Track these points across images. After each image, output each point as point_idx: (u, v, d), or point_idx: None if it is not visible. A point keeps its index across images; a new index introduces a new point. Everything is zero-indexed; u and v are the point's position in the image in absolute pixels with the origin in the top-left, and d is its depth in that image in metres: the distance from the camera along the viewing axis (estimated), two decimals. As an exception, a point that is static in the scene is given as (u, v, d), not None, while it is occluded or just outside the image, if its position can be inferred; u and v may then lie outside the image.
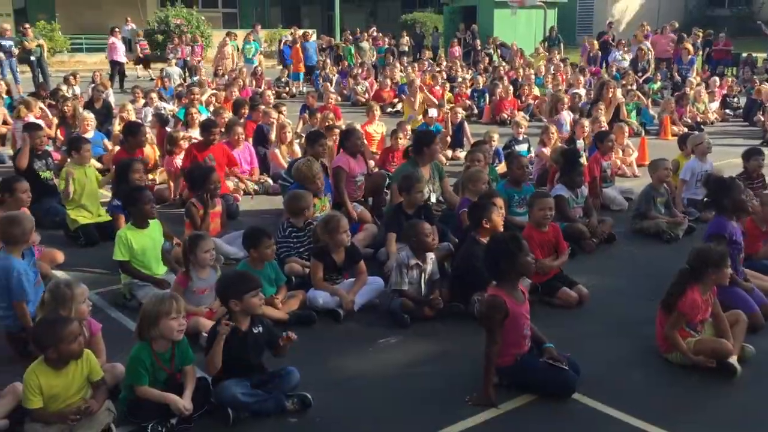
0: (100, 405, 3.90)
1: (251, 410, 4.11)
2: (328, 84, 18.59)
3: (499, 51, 25.16)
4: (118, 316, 5.61)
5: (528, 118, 13.88)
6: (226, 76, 18.49)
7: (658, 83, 18.80)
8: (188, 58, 22.96)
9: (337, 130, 9.55)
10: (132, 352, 4.08)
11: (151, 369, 4.04)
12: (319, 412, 4.22)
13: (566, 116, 11.48)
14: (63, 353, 3.78)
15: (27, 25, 21.08)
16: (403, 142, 9.40)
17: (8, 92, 15.11)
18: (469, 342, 4.93)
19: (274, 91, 16.36)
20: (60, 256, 6.53)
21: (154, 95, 13.63)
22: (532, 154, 10.24)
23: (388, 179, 8.52)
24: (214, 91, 14.38)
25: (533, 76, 18.04)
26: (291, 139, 9.88)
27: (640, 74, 19.22)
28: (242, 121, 10.67)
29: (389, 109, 16.57)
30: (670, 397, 4.48)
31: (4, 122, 12.69)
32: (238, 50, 23.37)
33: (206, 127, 8.90)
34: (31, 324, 4.62)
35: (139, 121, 10.80)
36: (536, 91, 16.99)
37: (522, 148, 10.55)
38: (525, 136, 10.99)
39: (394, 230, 6.44)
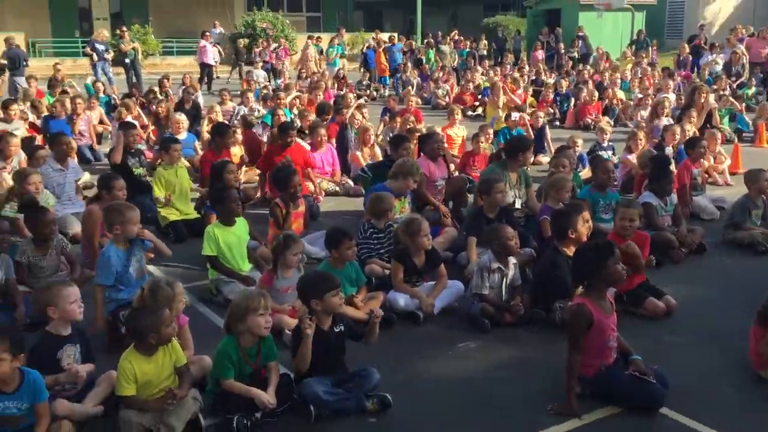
0: (186, 391, 4.02)
1: (332, 408, 4.17)
2: (409, 87, 18.65)
3: (578, 44, 24.56)
4: (205, 311, 5.78)
5: (612, 123, 13.54)
6: (309, 79, 18.81)
7: (753, 88, 17.99)
8: (273, 61, 23.48)
9: (417, 134, 9.57)
10: (219, 346, 4.21)
11: (237, 363, 4.15)
12: (398, 413, 4.24)
13: (665, 122, 11.06)
14: (163, 338, 3.95)
15: (124, 28, 22.04)
16: (485, 145, 9.33)
17: (105, 92, 15.80)
18: (551, 350, 4.85)
19: (355, 94, 16.54)
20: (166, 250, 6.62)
21: (250, 95, 14.01)
22: (615, 159, 9.96)
23: (468, 183, 8.50)
24: (298, 94, 14.64)
25: (619, 80, 17.58)
26: (373, 142, 9.95)
27: (733, 79, 18.46)
28: (325, 123, 10.83)
29: (470, 113, 16.49)
30: (764, 414, 4.28)
31: (101, 121, 13.29)
32: (321, 53, 23.75)
33: (284, 129, 9.08)
34: (103, 309, 4.97)
35: (227, 122, 11.12)
36: (621, 95, 16.55)
37: (606, 154, 10.28)
38: (609, 143, 10.71)
39: (474, 234, 6.41)
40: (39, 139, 10.73)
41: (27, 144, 9.78)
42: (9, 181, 7.71)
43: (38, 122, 12.03)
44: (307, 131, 10.23)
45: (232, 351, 4.15)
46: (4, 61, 16.75)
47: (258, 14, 31.53)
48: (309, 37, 24.61)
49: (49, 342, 4.17)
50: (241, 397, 4.07)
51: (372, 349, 4.64)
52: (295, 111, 12.48)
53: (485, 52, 26.13)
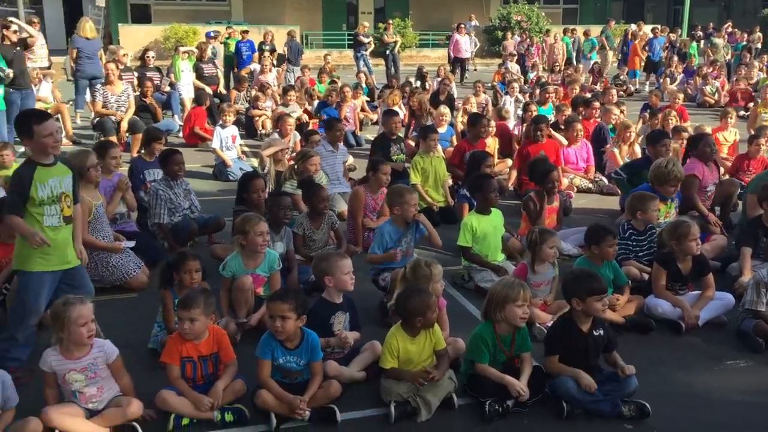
0: (442, 373, 4.21)
1: (585, 408, 4.10)
2: (666, 80, 17.45)
3: None
4: (456, 295, 5.96)
5: None
6: (561, 73, 18.40)
7: None
8: (525, 55, 23.32)
9: (685, 134, 8.96)
10: (476, 330, 4.33)
11: (492, 349, 4.23)
12: (656, 422, 4.05)
13: None
14: (427, 321, 4.16)
15: (390, 21, 23.27)
16: (766, 148, 8.48)
17: (367, 82, 16.82)
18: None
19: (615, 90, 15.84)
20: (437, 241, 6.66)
21: (516, 85, 14.12)
22: None
23: (741, 188, 7.80)
24: (555, 87, 14.40)
25: None
26: (633, 140, 9.50)
27: None
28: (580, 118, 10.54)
29: (742, 113, 15.04)
30: None
31: (362, 109, 14.19)
32: (569, 46, 23.14)
33: (537, 122, 9.00)
34: None
35: (480, 112, 11.27)
36: None
37: None
38: None
39: (749, 245, 5.88)
40: (312, 124, 11.76)
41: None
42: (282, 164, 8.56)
43: (310, 108, 13.19)
44: (562, 126, 10.04)
45: (488, 336, 4.24)
46: (282, 52, 18.54)
47: (514, 7, 31.47)
48: (564, 31, 24.06)
49: (324, 307, 4.57)
50: (494, 382, 4.15)
51: (627, 353, 4.47)
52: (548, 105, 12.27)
53: (759, 46, 23.57)
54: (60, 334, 3.82)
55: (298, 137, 10.21)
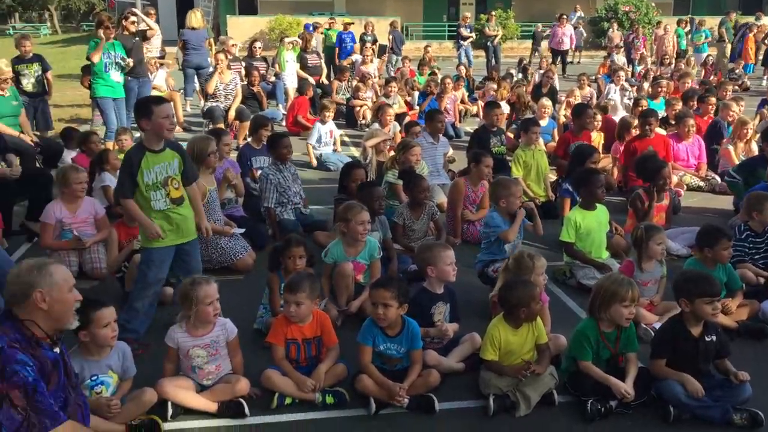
0: (544, 368, 4.15)
1: (693, 413, 3.95)
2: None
3: None
4: (557, 292, 5.85)
5: None
6: (671, 66, 17.67)
7: None
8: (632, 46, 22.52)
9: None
10: (579, 327, 4.24)
11: (595, 346, 4.14)
12: (770, 434, 3.86)
13: None
14: (531, 312, 4.13)
15: (493, 13, 23.02)
16: None
17: (467, 74, 16.69)
18: None
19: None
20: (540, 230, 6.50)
21: (621, 74, 13.74)
22: None
23: None
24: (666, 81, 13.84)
25: None
26: (750, 137, 9.01)
27: None
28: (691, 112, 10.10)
29: None
30: None
31: (462, 101, 14.10)
32: (681, 37, 22.15)
33: (645, 116, 8.71)
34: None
35: (585, 103, 10.99)
36: None
37: None
38: None
39: None
40: (410, 116, 11.80)
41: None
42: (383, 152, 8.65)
43: (410, 99, 13.24)
44: (673, 121, 9.65)
45: (592, 333, 4.15)
46: (387, 41, 18.72)
47: (623, -3, 30.45)
48: (678, 22, 23.06)
49: (425, 297, 4.60)
50: (597, 381, 4.06)
51: (740, 359, 4.26)
52: (658, 100, 11.81)
53: None
54: (188, 311, 4.03)
55: (398, 128, 10.27)
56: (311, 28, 18.43)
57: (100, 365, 3.83)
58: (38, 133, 10.15)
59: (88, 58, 9.88)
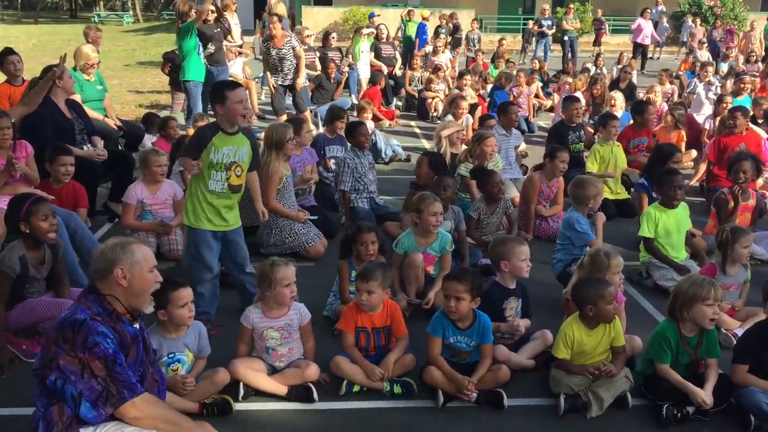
0: (618, 370, 4.04)
1: (776, 424, 3.78)
2: None
3: None
4: (632, 292, 5.69)
5: None
6: (758, 63, 16.93)
7: None
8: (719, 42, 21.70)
9: None
10: (658, 328, 4.11)
11: (674, 350, 4.00)
12: None
13: None
14: (600, 312, 4.01)
15: (571, 6, 22.53)
16: None
17: (540, 69, 16.38)
18: None
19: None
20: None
21: (710, 69, 13.33)
22: None
23: None
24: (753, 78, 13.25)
25: None
26: None
27: None
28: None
29: None
30: None
31: (536, 95, 13.85)
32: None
33: (736, 110, 8.36)
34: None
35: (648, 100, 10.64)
36: None
37: None
38: None
39: None
40: (481, 109, 11.65)
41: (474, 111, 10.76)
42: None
43: (483, 92, 13.09)
44: (760, 120, 9.24)
45: (672, 336, 4.01)
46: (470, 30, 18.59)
47: (710, -10, 29.29)
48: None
49: (498, 292, 4.54)
50: (673, 385, 3.93)
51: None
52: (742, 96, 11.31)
53: None
54: (266, 292, 4.09)
55: (471, 120, 10.17)
56: (375, 15, 18.49)
57: (177, 343, 3.93)
58: (122, 118, 10.49)
59: (181, 33, 9.99)
